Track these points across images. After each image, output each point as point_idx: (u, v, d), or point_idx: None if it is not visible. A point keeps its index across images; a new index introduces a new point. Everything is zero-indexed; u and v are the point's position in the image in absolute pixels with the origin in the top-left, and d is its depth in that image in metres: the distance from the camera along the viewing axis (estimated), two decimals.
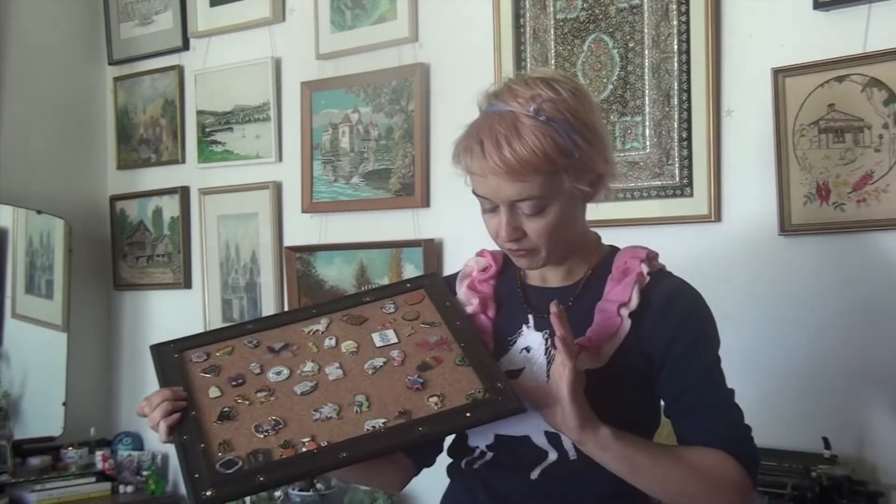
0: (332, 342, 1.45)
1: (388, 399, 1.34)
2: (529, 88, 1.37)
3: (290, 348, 1.45)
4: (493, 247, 1.54)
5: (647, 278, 1.43)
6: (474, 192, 1.42)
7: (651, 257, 1.46)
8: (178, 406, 1.37)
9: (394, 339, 1.44)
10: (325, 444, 1.28)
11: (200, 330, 3.37)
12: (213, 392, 1.39)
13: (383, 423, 1.30)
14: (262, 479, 1.25)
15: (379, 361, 1.40)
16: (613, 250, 1.51)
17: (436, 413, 1.31)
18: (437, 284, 1.54)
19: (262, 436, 1.30)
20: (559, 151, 1.34)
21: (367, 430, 1.29)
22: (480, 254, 1.57)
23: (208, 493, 1.24)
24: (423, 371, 1.37)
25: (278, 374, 1.40)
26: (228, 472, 1.26)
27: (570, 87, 1.39)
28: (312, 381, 1.38)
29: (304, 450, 1.27)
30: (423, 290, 1.52)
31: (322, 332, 1.47)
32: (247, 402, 1.36)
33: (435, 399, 1.33)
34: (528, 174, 1.33)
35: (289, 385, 1.38)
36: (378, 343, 1.44)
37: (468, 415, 1.30)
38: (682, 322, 1.41)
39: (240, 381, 1.40)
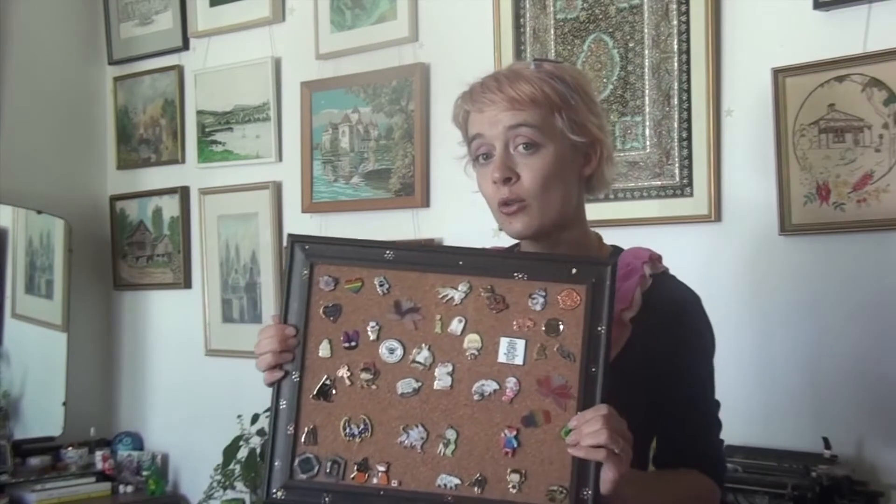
0: (460, 326, 1.34)
1: (475, 449, 1.30)
2: (531, 59, 1.43)
3: (416, 313, 1.35)
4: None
5: (650, 280, 1.43)
6: (470, 140, 1.43)
7: (654, 259, 1.46)
8: (283, 360, 1.34)
9: (519, 360, 1.32)
10: (396, 483, 1.30)
11: (201, 330, 3.39)
12: (324, 349, 1.36)
13: (455, 485, 1.29)
14: (327, 499, 1.31)
15: (490, 387, 1.31)
16: (616, 251, 1.50)
17: (505, 500, 1.27)
18: (603, 288, 1.31)
19: (347, 438, 1.32)
20: (556, 93, 1.38)
21: (438, 486, 1.29)
22: None
23: (277, 494, 1.30)
24: (527, 427, 1.29)
25: (391, 351, 1.35)
26: (303, 476, 1.31)
27: (567, 63, 1.47)
28: (418, 380, 1.33)
29: (374, 481, 1.30)
30: (585, 288, 1.31)
31: (456, 305, 1.34)
32: (348, 383, 1.35)
33: (516, 477, 1.28)
34: (525, 104, 1.37)
35: (395, 375, 1.34)
36: (501, 356, 1.32)
37: None
38: (685, 335, 1.41)
39: (353, 343, 1.36)
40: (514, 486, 1.27)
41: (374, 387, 1.34)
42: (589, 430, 1.21)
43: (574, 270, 1.32)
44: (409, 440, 1.31)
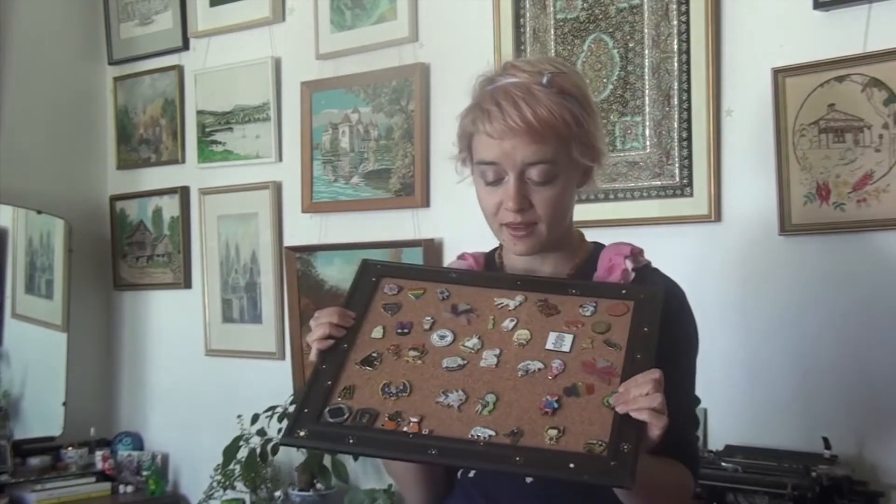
0: (511, 325, 1.39)
1: (513, 410, 1.28)
2: (532, 65, 1.40)
3: (471, 313, 1.41)
4: (481, 247, 1.56)
5: (632, 275, 1.44)
6: (480, 162, 1.40)
7: (635, 253, 1.46)
8: (337, 333, 1.38)
9: (566, 348, 1.35)
10: (427, 432, 1.27)
11: (201, 330, 3.39)
12: (377, 332, 1.40)
13: (489, 436, 1.25)
14: (352, 441, 1.28)
15: (535, 365, 1.33)
16: (598, 247, 1.51)
17: (540, 448, 1.23)
18: (651, 304, 1.38)
19: (384, 397, 1.31)
20: (573, 118, 1.37)
21: (471, 437, 1.25)
22: (461, 257, 1.57)
23: (301, 434, 1.28)
24: (568, 396, 1.29)
25: (442, 338, 1.38)
26: (330, 421, 1.29)
27: (568, 67, 1.44)
28: (465, 359, 1.35)
29: (404, 429, 1.27)
30: (634, 301, 1.39)
31: (510, 310, 1.41)
32: (394, 357, 1.36)
33: (554, 432, 1.24)
34: (546, 136, 1.35)
35: (442, 354, 1.36)
36: (548, 345, 1.36)
37: (571, 465, 1.21)
38: (669, 328, 1.40)
39: (406, 330, 1.40)
40: (551, 439, 1.24)
41: (419, 362, 1.36)
42: (639, 392, 1.23)
43: (623, 291, 1.41)
44: (447, 400, 1.30)
